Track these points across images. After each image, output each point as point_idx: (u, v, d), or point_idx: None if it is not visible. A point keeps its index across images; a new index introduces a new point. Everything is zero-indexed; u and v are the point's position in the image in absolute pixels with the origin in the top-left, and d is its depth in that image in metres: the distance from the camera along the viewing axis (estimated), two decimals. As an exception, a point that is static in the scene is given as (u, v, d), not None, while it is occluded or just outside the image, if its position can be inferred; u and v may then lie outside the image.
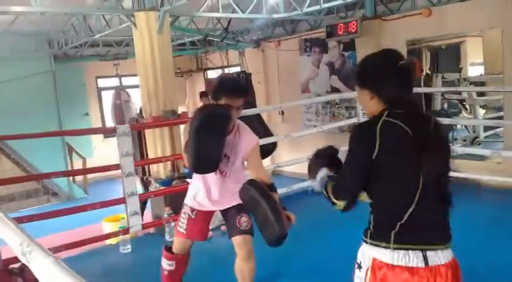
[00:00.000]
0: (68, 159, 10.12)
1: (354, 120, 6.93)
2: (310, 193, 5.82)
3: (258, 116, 8.26)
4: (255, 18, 7.77)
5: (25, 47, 8.99)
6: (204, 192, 3.00)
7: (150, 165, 5.85)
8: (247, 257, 2.96)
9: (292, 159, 6.94)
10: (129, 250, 4.76)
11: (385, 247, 1.71)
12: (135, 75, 6.13)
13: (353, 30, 7.50)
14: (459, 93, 8.93)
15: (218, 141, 2.74)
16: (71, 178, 10.13)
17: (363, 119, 6.14)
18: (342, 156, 1.92)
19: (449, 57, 9.43)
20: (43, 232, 4.25)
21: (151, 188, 5.54)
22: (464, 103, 9.18)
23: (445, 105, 8.80)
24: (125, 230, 4.76)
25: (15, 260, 3.13)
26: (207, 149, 2.71)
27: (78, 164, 9.99)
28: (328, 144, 2.05)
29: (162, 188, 5.30)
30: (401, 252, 1.69)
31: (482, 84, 8.59)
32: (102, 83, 11.80)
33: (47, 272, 1.20)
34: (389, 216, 1.75)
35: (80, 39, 8.85)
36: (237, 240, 2.96)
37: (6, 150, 9.39)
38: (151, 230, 5.28)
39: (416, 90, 6.45)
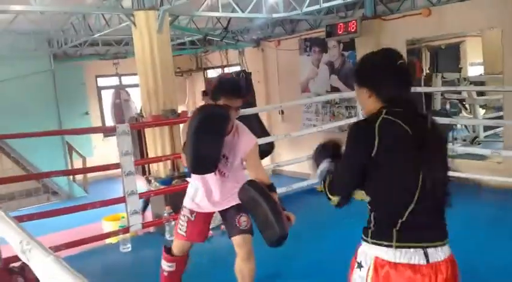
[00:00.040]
0: (68, 158, 10.14)
1: (353, 120, 6.92)
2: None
3: (256, 115, 8.28)
4: (254, 18, 7.76)
5: (25, 46, 8.99)
6: (203, 193, 2.99)
7: (150, 164, 5.85)
8: (247, 257, 2.95)
9: (292, 158, 6.95)
10: (129, 249, 4.76)
11: (387, 246, 1.72)
12: (135, 74, 6.13)
13: (353, 30, 7.50)
14: (459, 92, 8.93)
15: (217, 141, 2.73)
16: (71, 177, 10.15)
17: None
18: None
19: (449, 57, 9.42)
20: (43, 231, 4.25)
21: (152, 187, 5.54)
22: (464, 103, 9.18)
23: (447, 105, 8.80)
24: (125, 229, 4.76)
25: (16, 258, 3.13)
26: (206, 149, 2.70)
27: (78, 163, 10.00)
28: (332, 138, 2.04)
29: (162, 187, 5.30)
30: (403, 250, 1.70)
31: (482, 84, 8.59)
32: (101, 82, 11.80)
33: (47, 270, 1.20)
34: (390, 215, 1.75)
35: (79, 38, 8.85)
36: (236, 240, 2.96)
37: (6, 149, 9.40)
38: (152, 229, 5.28)
39: (416, 89, 6.52)
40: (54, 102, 9.91)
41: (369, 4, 7.62)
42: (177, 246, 3.12)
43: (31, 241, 1.36)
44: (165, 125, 5.47)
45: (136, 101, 10.13)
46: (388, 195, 1.77)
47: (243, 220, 2.96)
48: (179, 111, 5.75)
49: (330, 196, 1.86)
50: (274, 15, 6.89)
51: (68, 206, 4.84)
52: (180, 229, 3.06)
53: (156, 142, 5.55)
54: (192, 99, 12.60)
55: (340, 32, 7.71)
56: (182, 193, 3.19)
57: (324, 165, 1.92)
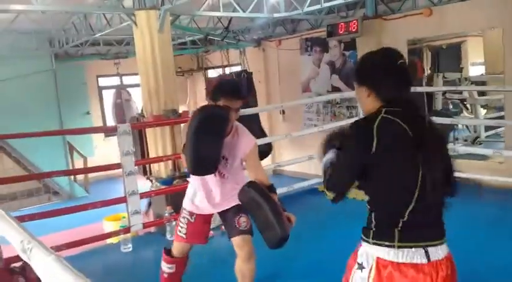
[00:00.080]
0: (69, 158, 10.13)
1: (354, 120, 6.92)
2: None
3: (256, 115, 8.29)
4: (255, 18, 7.76)
5: (26, 46, 8.99)
6: (203, 194, 2.98)
7: (151, 165, 5.85)
8: (247, 258, 2.94)
9: (292, 158, 6.95)
10: (130, 249, 4.76)
11: (389, 246, 1.72)
12: (136, 74, 6.13)
13: (354, 30, 7.50)
14: (460, 92, 8.92)
15: (216, 142, 2.71)
16: (72, 177, 10.14)
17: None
18: None
19: (450, 56, 9.41)
20: (44, 231, 4.24)
21: (152, 187, 5.54)
22: (465, 103, 9.18)
23: (450, 105, 8.80)
24: (126, 229, 4.77)
25: (17, 258, 3.13)
26: (206, 150, 2.69)
27: (79, 163, 10.00)
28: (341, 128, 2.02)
29: (163, 187, 5.30)
30: (405, 250, 1.71)
31: (483, 83, 8.59)
32: (103, 81, 11.80)
33: (48, 269, 1.20)
34: (391, 215, 1.75)
35: (80, 38, 8.84)
36: (236, 240, 2.95)
37: (7, 149, 9.40)
38: (152, 229, 5.28)
39: (416, 89, 6.52)
40: (55, 102, 9.91)
41: (370, 4, 7.61)
42: (177, 248, 3.12)
43: (32, 240, 1.36)
44: (166, 125, 5.47)
45: (138, 100, 10.13)
46: (388, 194, 1.77)
47: (243, 221, 2.95)
48: (180, 111, 5.76)
49: (326, 191, 1.87)
50: (275, 15, 6.89)
51: (69, 206, 4.85)
52: (180, 231, 3.06)
53: (157, 142, 5.55)
54: (193, 99, 12.60)
55: (341, 32, 7.71)
56: (183, 193, 3.19)
57: (329, 155, 1.90)
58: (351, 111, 8.47)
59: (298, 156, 6.64)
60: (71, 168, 9.76)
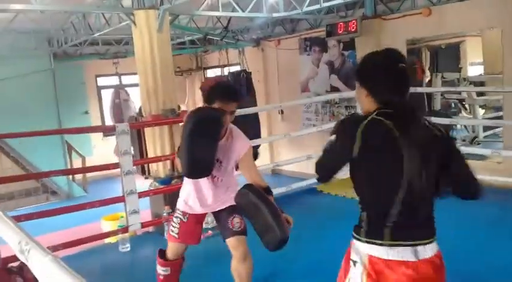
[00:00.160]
0: (68, 157, 10.14)
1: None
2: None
3: (256, 115, 8.29)
4: (255, 17, 7.76)
5: (25, 45, 8.98)
6: (195, 196, 2.98)
7: (150, 164, 5.84)
8: (243, 258, 2.93)
9: (291, 158, 6.94)
10: (128, 249, 4.75)
11: (380, 244, 1.76)
12: (135, 73, 6.12)
13: (353, 30, 7.50)
14: (459, 93, 8.93)
15: (211, 145, 2.70)
16: (70, 177, 10.14)
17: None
18: None
19: (449, 56, 9.43)
20: (42, 230, 4.25)
21: (151, 187, 5.53)
22: (463, 103, 9.19)
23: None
24: (124, 229, 4.76)
25: (14, 258, 3.12)
26: (200, 153, 2.67)
27: (77, 163, 9.99)
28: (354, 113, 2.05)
29: (161, 186, 5.30)
30: (395, 248, 1.75)
31: (481, 84, 8.59)
32: (101, 81, 11.79)
33: (46, 270, 1.20)
34: (380, 215, 1.78)
35: (79, 38, 8.84)
36: (231, 242, 2.94)
37: (5, 148, 9.39)
38: (151, 228, 5.28)
39: (416, 90, 6.51)
40: (54, 101, 9.91)
41: (369, 4, 7.61)
42: (171, 249, 3.11)
43: (30, 241, 1.35)
44: (165, 124, 5.46)
45: (136, 100, 10.12)
46: (375, 195, 1.81)
47: (236, 221, 2.94)
48: (180, 111, 5.75)
49: (314, 172, 1.95)
50: (275, 15, 6.88)
51: (67, 206, 4.85)
52: (173, 231, 3.05)
53: (156, 142, 5.54)
54: (192, 99, 12.59)
55: (340, 32, 7.71)
56: (181, 193, 3.19)
57: (326, 142, 1.94)
58: (350, 111, 8.47)
59: (296, 156, 6.64)
60: (69, 167, 9.77)
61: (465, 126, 8.79)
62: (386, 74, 1.82)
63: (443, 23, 6.76)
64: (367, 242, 1.79)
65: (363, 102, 1.89)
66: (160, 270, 3.16)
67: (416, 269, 1.74)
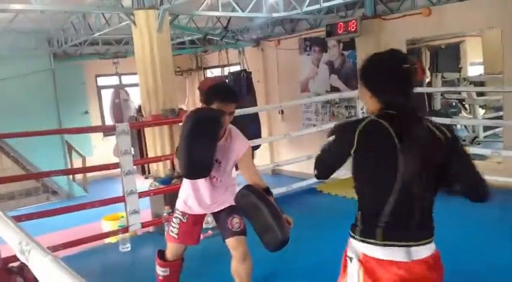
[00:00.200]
0: (68, 157, 10.14)
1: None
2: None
3: (256, 115, 8.29)
4: (254, 17, 7.76)
5: (25, 45, 8.99)
6: (194, 197, 2.98)
7: (150, 164, 5.84)
8: (242, 258, 2.93)
9: (291, 158, 6.94)
10: (129, 249, 4.75)
11: (373, 243, 1.78)
12: (135, 73, 6.12)
13: (353, 30, 7.50)
14: (459, 93, 8.93)
15: (209, 145, 2.69)
16: (70, 177, 10.15)
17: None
18: None
19: (448, 56, 9.42)
20: (42, 230, 4.25)
21: (151, 187, 5.54)
22: (464, 103, 9.19)
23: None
24: (124, 229, 4.76)
25: (15, 258, 3.12)
26: (199, 153, 2.67)
27: (77, 163, 9.99)
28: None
29: (162, 186, 5.30)
30: (388, 248, 1.76)
31: (481, 84, 8.60)
32: (101, 81, 11.80)
33: (46, 270, 1.20)
34: (373, 215, 1.79)
35: (79, 38, 8.85)
36: (230, 242, 2.94)
37: (5, 148, 9.40)
38: (151, 228, 5.27)
39: (416, 90, 6.51)
40: (54, 101, 9.91)
41: (369, 4, 7.62)
42: (170, 250, 3.11)
43: (30, 242, 1.36)
44: (165, 124, 5.46)
45: (136, 100, 10.13)
46: (369, 195, 1.83)
47: (236, 221, 2.94)
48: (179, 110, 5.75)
49: (314, 168, 1.99)
50: (274, 15, 6.89)
51: (68, 206, 4.85)
52: (172, 231, 3.05)
53: (156, 142, 5.55)
54: (191, 99, 12.60)
55: (340, 32, 7.71)
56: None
57: (326, 142, 1.96)
58: (350, 111, 8.48)
59: (296, 156, 6.63)
60: (69, 167, 9.77)
61: (465, 126, 8.79)
62: (390, 74, 1.82)
63: (443, 23, 6.76)
64: (362, 241, 1.81)
65: (367, 102, 1.90)
66: (160, 271, 3.15)
67: (409, 270, 1.74)
